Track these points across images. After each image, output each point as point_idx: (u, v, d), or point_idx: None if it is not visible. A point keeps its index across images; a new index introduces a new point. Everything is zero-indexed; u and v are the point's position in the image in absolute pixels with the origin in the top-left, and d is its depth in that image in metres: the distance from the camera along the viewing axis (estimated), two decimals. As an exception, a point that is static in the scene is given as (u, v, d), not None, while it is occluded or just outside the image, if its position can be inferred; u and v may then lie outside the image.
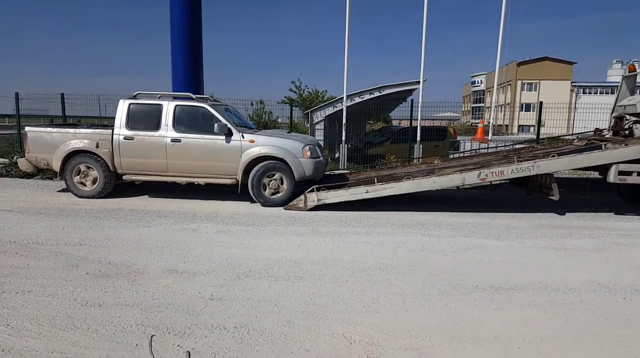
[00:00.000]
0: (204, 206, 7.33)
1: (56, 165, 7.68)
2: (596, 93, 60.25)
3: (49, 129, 7.89)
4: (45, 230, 5.61)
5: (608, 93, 59.08)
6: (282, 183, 7.40)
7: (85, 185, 7.72)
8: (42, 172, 9.33)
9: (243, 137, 7.42)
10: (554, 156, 6.85)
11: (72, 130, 7.81)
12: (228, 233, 5.71)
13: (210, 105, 7.67)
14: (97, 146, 7.59)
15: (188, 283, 4.01)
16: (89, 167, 7.65)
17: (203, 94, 9.28)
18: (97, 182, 7.66)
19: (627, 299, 3.86)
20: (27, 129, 7.97)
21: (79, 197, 7.67)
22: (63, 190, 8.24)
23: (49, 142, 7.74)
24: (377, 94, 12.86)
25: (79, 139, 7.67)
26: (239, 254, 4.85)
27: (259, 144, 7.39)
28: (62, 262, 4.49)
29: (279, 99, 22.66)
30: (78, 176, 7.69)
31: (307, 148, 7.43)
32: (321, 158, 7.75)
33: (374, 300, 3.70)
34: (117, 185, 7.96)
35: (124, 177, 7.73)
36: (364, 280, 4.17)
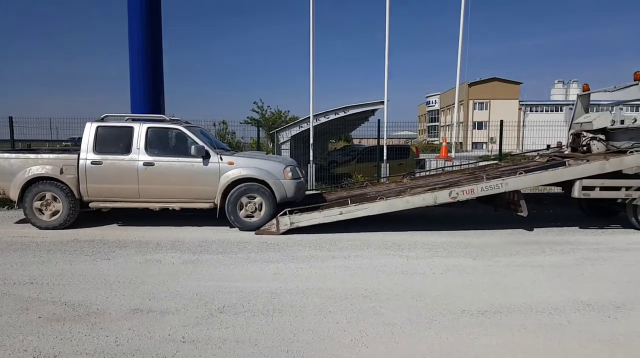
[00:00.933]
0: (167, 233, 6.91)
1: (14, 194, 7.03)
2: (542, 111, 63.75)
3: (5, 155, 7.19)
4: (-11, 268, 5.04)
5: (552, 111, 62.69)
6: (260, 209, 7.12)
7: (47, 215, 7.08)
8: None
9: (221, 159, 7.12)
10: (522, 173, 6.95)
11: (32, 156, 7.19)
12: (196, 264, 5.34)
13: (185, 127, 7.35)
14: (62, 172, 7.02)
15: (156, 324, 3.63)
16: (53, 196, 7.05)
17: (164, 115, 8.90)
18: (61, 211, 7.06)
19: (612, 317, 3.83)
20: None
21: (40, 228, 7.04)
22: (20, 221, 7.58)
23: (5, 169, 7.07)
24: (342, 114, 12.84)
25: (40, 164, 7.07)
26: (210, 287, 4.51)
27: (239, 166, 7.10)
28: (10, 305, 3.99)
29: (239, 119, 22.38)
30: (39, 203, 7.04)
31: (288, 169, 7.22)
32: (302, 179, 7.57)
33: (361, 333, 3.47)
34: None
35: (91, 205, 7.18)
36: (348, 310, 3.94)
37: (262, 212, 7.11)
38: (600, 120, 8.05)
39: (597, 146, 8.11)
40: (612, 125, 7.95)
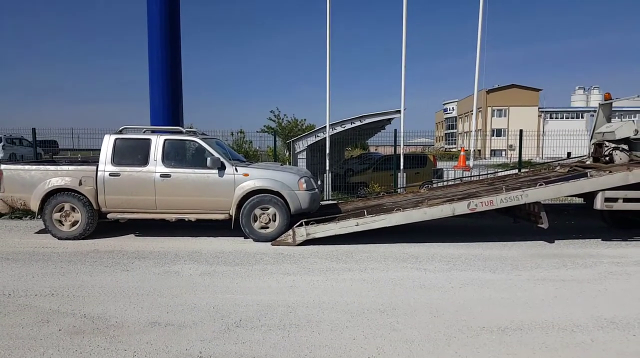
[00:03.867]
0: (185, 244, 6.97)
1: (34, 205, 7.19)
2: (562, 118, 62.67)
3: (27, 167, 7.38)
4: (12, 279, 5.16)
5: (573, 118, 61.64)
6: (274, 219, 7.15)
7: (67, 226, 7.23)
8: (12, 212, 8.79)
9: (237, 170, 7.19)
10: (542, 184, 6.82)
11: (52, 168, 7.35)
12: (213, 276, 5.37)
13: (201, 139, 7.46)
14: (80, 183, 7.17)
15: (173, 337, 3.66)
16: (71, 207, 7.20)
17: (183, 126, 9.05)
18: (80, 222, 7.20)
19: (638, 336, 3.71)
20: (2, 166, 7.44)
21: (60, 238, 7.18)
22: (41, 231, 7.74)
23: (26, 180, 7.25)
24: (358, 123, 12.82)
25: (60, 176, 7.23)
26: (226, 300, 4.53)
27: (254, 177, 7.17)
28: (32, 317, 4.07)
29: (256, 127, 22.59)
30: (59, 214, 7.19)
31: (302, 180, 7.25)
32: (316, 190, 7.59)
33: (378, 350, 3.43)
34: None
35: (109, 216, 7.32)
36: (365, 325, 3.91)
37: (276, 223, 7.13)
38: (623, 129, 7.88)
39: (619, 156, 7.93)
40: (635, 134, 7.77)
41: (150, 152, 7.24)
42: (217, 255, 6.34)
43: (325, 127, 11.83)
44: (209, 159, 7.07)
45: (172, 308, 4.29)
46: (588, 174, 6.93)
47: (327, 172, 11.65)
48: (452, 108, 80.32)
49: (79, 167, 7.36)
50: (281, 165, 8.79)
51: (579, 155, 10.07)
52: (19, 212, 8.89)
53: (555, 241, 7.23)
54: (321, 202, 9.65)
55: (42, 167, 7.36)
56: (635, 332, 3.79)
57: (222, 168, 7.15)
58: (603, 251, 6.64)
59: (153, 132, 7.84)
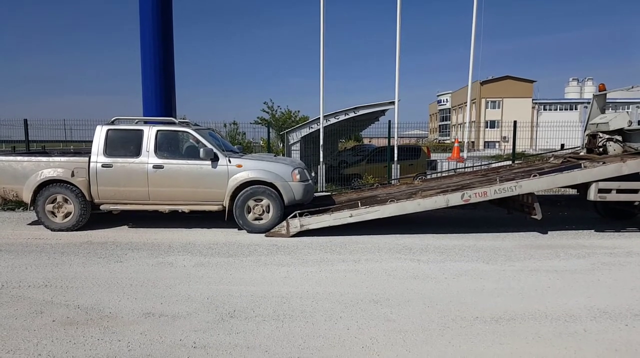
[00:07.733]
0: (179, 235, 6.95)
1: (26, 197, 7.14)
2: (556, 109, 62.86)
3: (19, 158, 7.31)
4: (5, 270, 5.12)
5: (567, 109, 61.80)
6: (267, 211, 7.13)
7: (59, 217, 7.18)
8: (4, 203, 8.72)
9: (230, 161, 7.15)
10: (536, 176, 6.84)
11: (44, 159, 7.27)
12: (207, 267, 5.36)
13: (194, 130, 7.40)
14: (73, 175, 7.11)
15: (167, 328, 3.65)
16: (64, 198, 7.15)
17: (175, 117, 8.98)
18: (73, 214, 7.16)
19: (630, 326, 3.75)
20: None
21: (53, 230, 7.14)
22: (34, 223, 7.68)
23: (18, 171, 7.19)
24: (352, 114, 12.77)
25: (52, 167, 7.17)
26: (220, 291, 4.52)
27: (247, 169, 7.13)
28: (25, 308, 4.04)
29: (249, 119, 22.43)
30: (51, 205, 7.14)
31: (296, 171, 7.22)
32: (310, 181, 7.57)
33: (372, 340, 3.44)
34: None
35: (102, 207, 7.27)
36: (359, 315, 3.91)
37: (270, 215, 7.12)
38: (617, 120, 7.89)
39: (613, 147, 7.95)
40: (629, 126, 7.79)
41: (142, 143, 7.18)
42: (211, 246, 6.32)
43: (319, 118, 11.80)
44: (201, 150, 7.03)
45: (166, 299, 4.27)
46: (582, 165, 6.95)
47: (320, 163, 11.63)
48: (446, 99, 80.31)
49: (72, 158, 7.29)
50: (275, 156, 8.75)
51: (573, 147, 10.11)
52: (11, 204, 8.83)
53: (549, 232, 7.28)
54: (315, 194, 9.66)
55: (34, 159, 7.28)
56: (627, 322, 3.82)
57: (215, 159, 7.11)
58: (596, 242, 6.69)
59: (145, 123, 7.78)
